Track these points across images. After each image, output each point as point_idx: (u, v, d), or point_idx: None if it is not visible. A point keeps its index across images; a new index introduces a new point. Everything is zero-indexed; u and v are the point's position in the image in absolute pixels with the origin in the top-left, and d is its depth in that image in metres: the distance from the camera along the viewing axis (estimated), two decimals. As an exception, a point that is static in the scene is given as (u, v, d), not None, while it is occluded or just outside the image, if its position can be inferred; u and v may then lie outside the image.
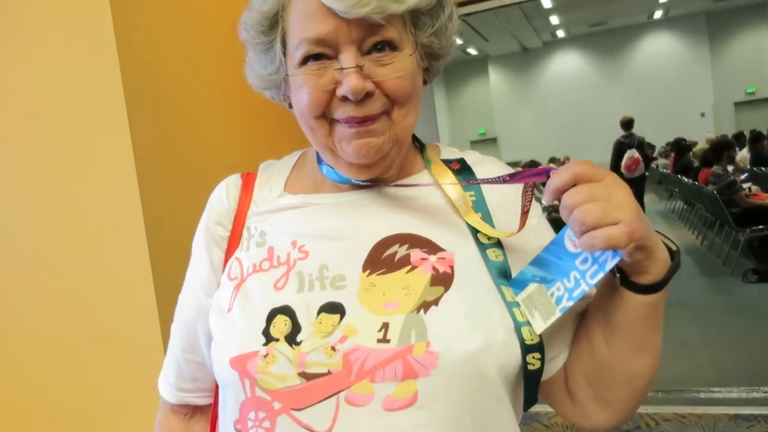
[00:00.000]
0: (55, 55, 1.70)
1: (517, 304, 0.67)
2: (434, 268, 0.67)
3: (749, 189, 6.04)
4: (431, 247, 0.69)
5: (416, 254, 0.68)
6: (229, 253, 0.76)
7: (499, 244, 0.71)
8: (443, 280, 0.67)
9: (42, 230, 1.91)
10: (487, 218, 0.73)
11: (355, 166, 0.70)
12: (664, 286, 0.63)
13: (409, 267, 0.67)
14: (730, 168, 6.33)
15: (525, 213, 0.69)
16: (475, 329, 0.63)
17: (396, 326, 0.63)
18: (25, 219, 1.91)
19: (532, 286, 0.66)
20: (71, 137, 1.73)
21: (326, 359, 0.63)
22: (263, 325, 0.66)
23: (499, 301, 0.67)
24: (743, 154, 8.17)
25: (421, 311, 0.64)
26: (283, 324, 0.65)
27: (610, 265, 0.60)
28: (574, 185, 0.59)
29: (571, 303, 0.63)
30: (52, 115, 1.74)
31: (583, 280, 0.63)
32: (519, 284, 0.67)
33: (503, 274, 0.69)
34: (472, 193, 0.75)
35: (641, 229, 0.58)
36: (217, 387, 0.79)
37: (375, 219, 0.72)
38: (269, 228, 0.74)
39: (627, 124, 7.70)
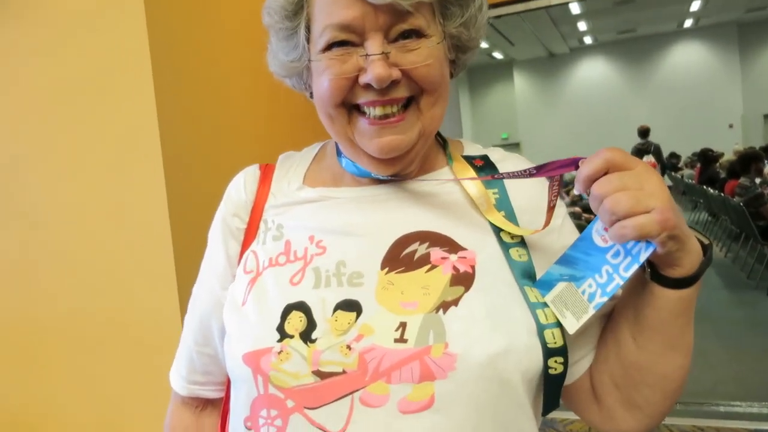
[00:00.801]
0: (85, 44, 1.73)
1: (541, 306, 0.65)
2: (455, 268, 0.65)
3: (776, 202, 5.93)
4: (452, 246, 0.67)
5: (436, 253, 0.67)
6: (245, 245, 0.74)
7: (522, 243, 0.69)
8: (464, 280, 0.65)
9: (68, 224, 1.94)
10: (511, 217, 0.71)
11: (377, 160, 0.69)
12: (697, 280, 0.61)
13: (429, 266, 0.66)
14: (757, 180, 6.21)
15: (551, 208, 0.67)
16: (496, 331, 0.61)
17: (414, 326, 0.61)
18: (49, 212, 1.94)
19: (560, 285, 0.64)
20: (99, 127, 1.76)
21: (341, 358, 0.61)
22: (278, 321, 0.64)
23: (521, 302, 0.65)
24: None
25: (440, 311, 0.62)
26: (299, 320, 0.64)
27: (645, 255, 0.58)
28: (605, 174, 0.58)
29: (605, 299, 0.61)
30: (80, 104, 1.77)
31: (617, 273, 0.60)
32: (546, 285, 0.65)
33: (527, 275, 0.67)
34: (496, 190, 0.73)
35: (673, 218, 0.56)
36: (229, 381, 0.78)
37: (395, 215, 0.70)
38: (287, 221, 0.73)
39: (644, 132, 8.71)
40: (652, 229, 0.55)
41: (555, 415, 2.92)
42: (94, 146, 1.79)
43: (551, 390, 0.66)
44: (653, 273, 0.62)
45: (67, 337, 2.16)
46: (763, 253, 5.63)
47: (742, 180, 6.07)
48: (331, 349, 0.62)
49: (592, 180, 0.58)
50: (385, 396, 0.60)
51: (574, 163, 0.61)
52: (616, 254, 0.61)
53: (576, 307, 0.63)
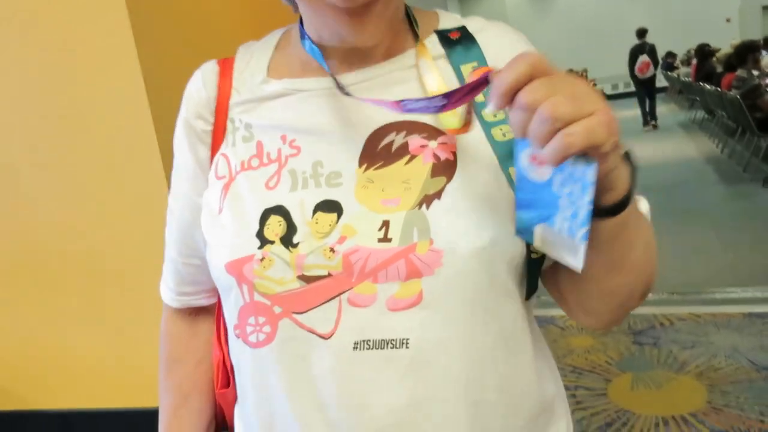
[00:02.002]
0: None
1: None
2: (435, 156, 0.62)
3: (773, 93, 5.86)
4: (430, 132, 0.63)
5: (415, 141, 0.63)
6: (214, 148, 0.70)
7: (506, 120, 0.64)
8: (445, 169, 0.61)
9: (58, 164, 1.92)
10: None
11: (342, 15, 0.61)
12: (631, 200, 0.55)
13: (408, 157, 0.62)
14: (755, 72, 6.11)
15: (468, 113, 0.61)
16: (482, 224, 0.59)
17: (397, 224, 0.59)
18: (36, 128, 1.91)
19: (538, 229, 0.58)
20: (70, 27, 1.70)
21: (325, 261, 0.60)
22: (256, 227, 0.62)
23: (506, 187, 0.62)
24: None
25: (423, 206, 0.60)
26: (278, 225, 0.62)
27: (591, 174, 0.50)
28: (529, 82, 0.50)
29: (585, 228, 0.53)
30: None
31: (579, 200, 0.53)
32: (526, 231, 0.59)
33: (511, 156, 0.62)
34: (475, 64, 0.67)
35: (615, 122, 0.49)
36: None
37: (368, 106, 0.64)
38: (255, 120, 0.68)
39: (640, 33, 9.49)
40: (602, 132, 0.47)
41: (555, 312, 2.99)
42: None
43: (531, 273, 0.65)
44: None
45: (67, 271, 2.17)
46: (759, 145, 5.61)
47: (739, 72, 5.97)
48: (315, 252, 0.60)
49: (516, 90, 0.49)
50: (372, 296, 0.59)
51: (485, 78, 0.52)
52: (563, 183, 0.53)
53: (565, 245, 0.56)
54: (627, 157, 0.56)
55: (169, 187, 0.79)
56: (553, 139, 0.47)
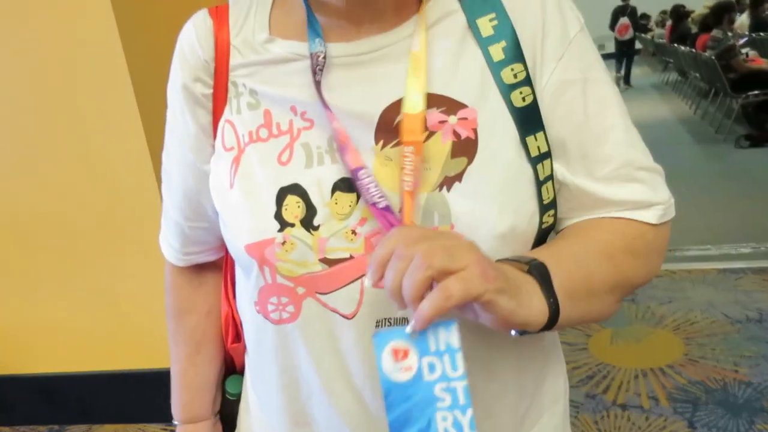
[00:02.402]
0: None
1: (541, 158, 0.59)
2: (455, 133, 0.58)
3: (747, 54, 5.92)
4: (450, 105, 0.59)
5: (433, 116, 0.59)
6: (216, 113, 0.65)
7: (528, 81, 0.59)
8: (466, 148, 0.58)
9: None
10: (515, 48, 0.60)
11: None
12: (558, 318, 0.53)
13: (426, 133, 0.58)
14: (730, 33, 6.15)
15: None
16: (504, 209, 0.58)
17: (417, 207, 0.58)
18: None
19: None
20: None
21: (347, 244, 0.58)
22: (274, 207, 0.59)
23: (525, 161, 0.59)
24: (742, 20, 7.94)
25: (444, 189, 0.58)
26: (296, 206, 0.59)
27: (455, 338, 0.50)
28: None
29: (470, 411, 0.51)
30: None
31: (454, 380, 0.51)
32: None
33: (530, 122, 0.60)
34: (493, 15, 0.61)
35: (491, 270, 0.48)
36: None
37: (379, 83, 0.60)
38: (260, 87, 0.63)
39: None
40: (478, 282, 0.47)
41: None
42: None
43: (540, 240, 0.64)
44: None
45: (45, 238, 2.13)
46: (731, 107, 5.69)
47: (715, 32, 6.00)
48: (336, 235, 0.59)
49: (387, 260, 0.49)
50: None
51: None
52: (431, 368, 0.51)
53: None
54: (538, 273, 0.54)
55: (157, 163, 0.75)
56: (432, 292, 0.47)
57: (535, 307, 0.52)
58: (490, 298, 0.48)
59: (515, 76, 0.59)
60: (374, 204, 0.56)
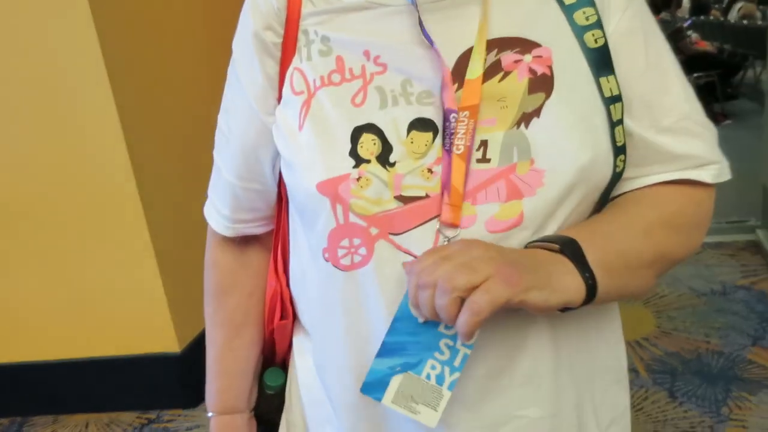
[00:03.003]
0: None
1: (613, 100, 0.60)
2: (531, 71, 0.59)
3: (691, 36, 6.12)
4: (524, 46, 0.60)
5: (507, 57, 0.59)
6: (284, 63, 0.64)
7: (599, 24, 0.61)
8: (543, 84, 0.58)
9: None
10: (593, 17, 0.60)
11: None
12: (596, 292, 0.55)
13: (501, 74, 0.59)
14: (678, 14, 6.34)
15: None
16: (584, 142, 0.58)
17: (495, 144, 0.57)
18: None
19: (395, 380, 0.56)
20: None
21: (424, 182, 0.57)
22: (349, 145, 0.59)
23: (598, 99, 0.60)
24: (686, 3, 8.21)
25: (522, 126, 0.57)
26: (372, 143, 0.58)
27: None
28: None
29: (457, 374, 0.55)
30: None
31: (463, 345, 0.55)
32: (377, 386, 0.57)
33: (603, 64, 0.60)
34: None
35: (515, 272, 0.51)
36: (280, 214, 0.72)
37: (455, 24, 0.61)
38: (333, 34, 0.62)
39: None
40: (503, 290, 0.49)
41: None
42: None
43: (608, 189, 0.63)
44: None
45: (10, 228, 2.01)
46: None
47: (663, 15, 6.17)
48: (412, 173, 0.58)
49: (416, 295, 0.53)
50: (472, 217, 0.57)
51: None
52: (448, 326, 0.54)
53: (427, 396, 0.56)
54: (570, 250, 0.55)
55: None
56: (462, 310, 0.50)
57: (570, 286, 0.54)
58: (520, 299, 0.51)
59: (587, 18, 0.60)
60: (448, 150, 0.57)
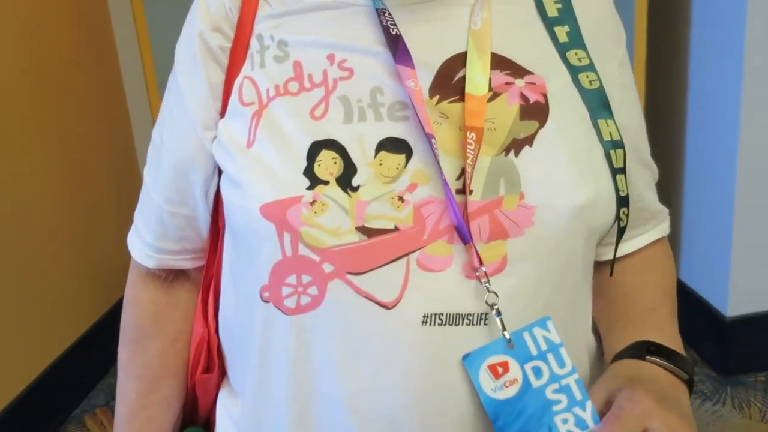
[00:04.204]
0: None
1: (614, 145, 0.54)
2: (523, 96, 0.52)
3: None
4: (515, 69, 0.53)
5: (498, 77, 0.52)
6: (232, 70, 0.56)
7: (592, 66, 0.56)
8: (536, 112, 0.52)
9: None
10: (576, 35, 0.56)
11: None
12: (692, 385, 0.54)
13: (490, 93, 0.52)
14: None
15: None
16: (584, 178, 0.51)
17: (480, 172, 0.49)
18: None
19: None
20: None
21: (393, 212, 0.49)
22: (304, 162, 0.50)
23: (597, 140, 0.54)
24: None
25: (511, 153, 0.50)
26: (332, 162, 0.50)
27: (553, 332, 0.49)
28: None
29: (590, 404, 0.48)
30: None
31: (564, 378, 0.49)
32: None
33: (600, 105, 0.55)
34: None
35: None
36: (213, 245, 0.62)
37: (436, 29, 0.54)
38: (291, 36, 0.55)
39: None
40: None
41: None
42: None
43: (616, 243, 0.58)
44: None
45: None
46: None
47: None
48: (380, 200, 0.49)
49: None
50: (447, 258, 0.49)
51: None
52: (537, 372, 0.48)
53: None
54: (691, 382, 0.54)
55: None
56: None
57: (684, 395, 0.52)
58: None
59: (579, 60, 0.56)
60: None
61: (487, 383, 0.47)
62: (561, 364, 0.48)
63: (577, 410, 0.47)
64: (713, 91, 1.80)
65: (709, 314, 1.89)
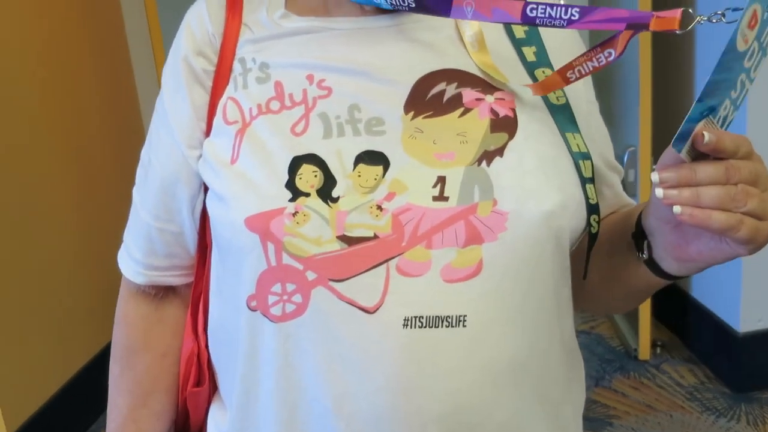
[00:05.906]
0: None
1: (582, 156, 0.57)
2: (492, 111, 0.55)
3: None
4: (485, 87, 0.56)
5: (469, 94, 0.56)
6: (215, 92, 0.60)
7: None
8: (505, 125, 0.55)
9: None
10: (544, 55, 0.60)
11: None
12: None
13: (462, 109, 0.55)
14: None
15: (578, 77, 0.54)
16: (551, 184, 0.54)
17: (454, 181, 0.52)
18: None
19: (697, 128, 0.47)
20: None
21: (372, 220, 0.52)
22: (285, 176, 0.53)
23: (566, 151, 0.57)
24: None
25: (484, 163, 0.53)
26: (312, 175, 0.53)
27: None
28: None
29: (735, 114, 0.49)
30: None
31: (748, 79, 0.48)
32: (683, 137, 0.47)
33: (567, 119, 0.58)
34: (525, 27, 0.61)
35: None
36: (201, 261, 0.65)
37: (411, 49, 0.57)
38: (272, 59, 0.58)
39: None
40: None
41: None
42: None
43: (589, 251, 0.60)
44: (650, 260, 0.56)
45: None
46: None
47: None
48: (359, 209, 0.52)
49: (717, 150, 0.46)
50: (426, 263, 0.51)
51: (630, 21, 0.47)
52: (751, 55, 0.47)
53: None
54: None
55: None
56: (729, 214, 0.45)
57: None
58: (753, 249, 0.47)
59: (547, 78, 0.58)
60: None
61: (744, 24, 0.45)
62: (756, 68, 0.47)
63: (730, 110, 0.48)
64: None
65: (722, 330, 1.87)
